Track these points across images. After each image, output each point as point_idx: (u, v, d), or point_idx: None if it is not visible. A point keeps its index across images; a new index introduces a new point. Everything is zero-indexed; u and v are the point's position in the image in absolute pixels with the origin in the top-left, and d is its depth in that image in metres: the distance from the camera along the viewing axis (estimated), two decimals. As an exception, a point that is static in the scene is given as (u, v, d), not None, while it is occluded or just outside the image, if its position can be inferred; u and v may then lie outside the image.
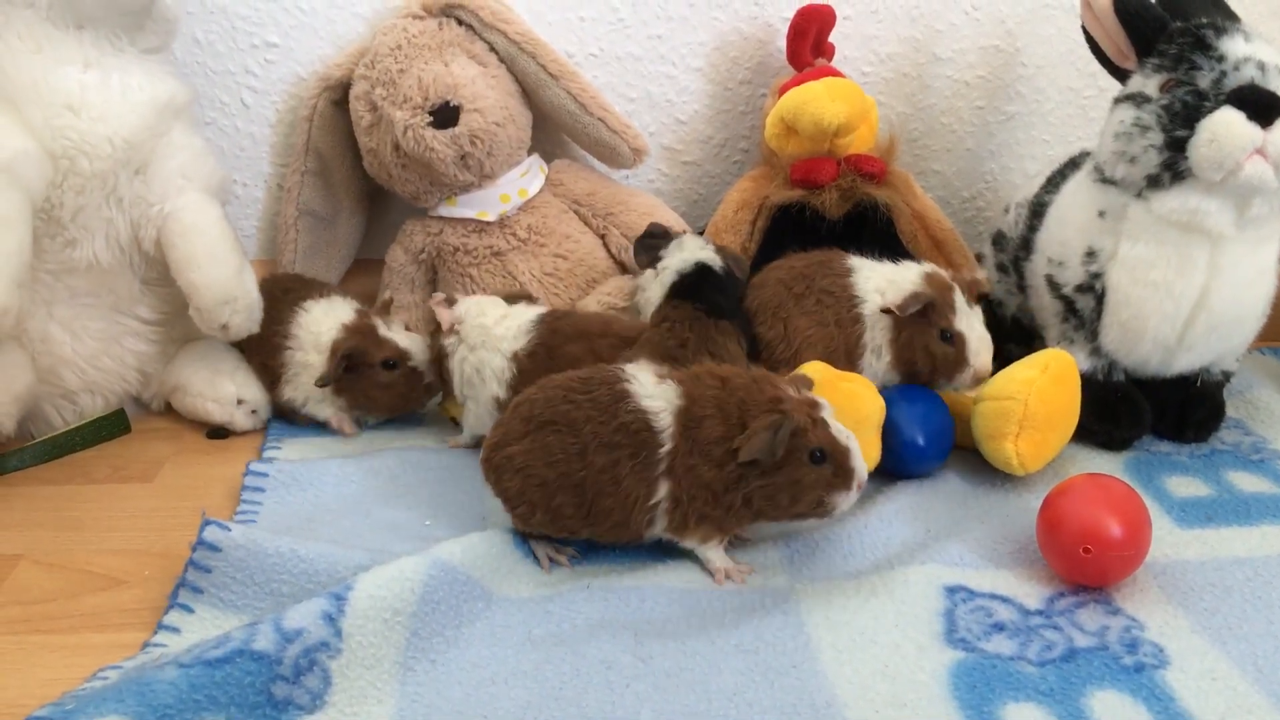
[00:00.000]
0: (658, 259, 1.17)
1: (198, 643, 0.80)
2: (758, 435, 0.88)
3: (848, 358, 1.12)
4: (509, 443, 0.94)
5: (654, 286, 1.15)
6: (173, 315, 1.23)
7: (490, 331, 1.10)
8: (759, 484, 0.91)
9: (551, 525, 0.94)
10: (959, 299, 1.10)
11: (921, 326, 1.10)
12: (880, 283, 1.13)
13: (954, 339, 1.09)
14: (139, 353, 1.22)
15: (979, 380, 1.10)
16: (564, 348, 1.07)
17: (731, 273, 1.15)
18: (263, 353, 1.23)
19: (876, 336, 1.12)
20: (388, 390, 1.19)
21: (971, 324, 1.11)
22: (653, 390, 0.92)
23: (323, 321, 1.21)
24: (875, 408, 1.05)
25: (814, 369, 1.06)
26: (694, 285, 1.12)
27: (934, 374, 1.11)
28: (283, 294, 1.26)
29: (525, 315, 1.12)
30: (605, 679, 0.82)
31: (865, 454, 1.04)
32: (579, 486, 0.91)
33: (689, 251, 1.15)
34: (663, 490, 0.91)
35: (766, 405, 0.90)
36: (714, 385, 0.92)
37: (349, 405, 1.22)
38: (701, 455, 0.90)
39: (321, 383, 1.18)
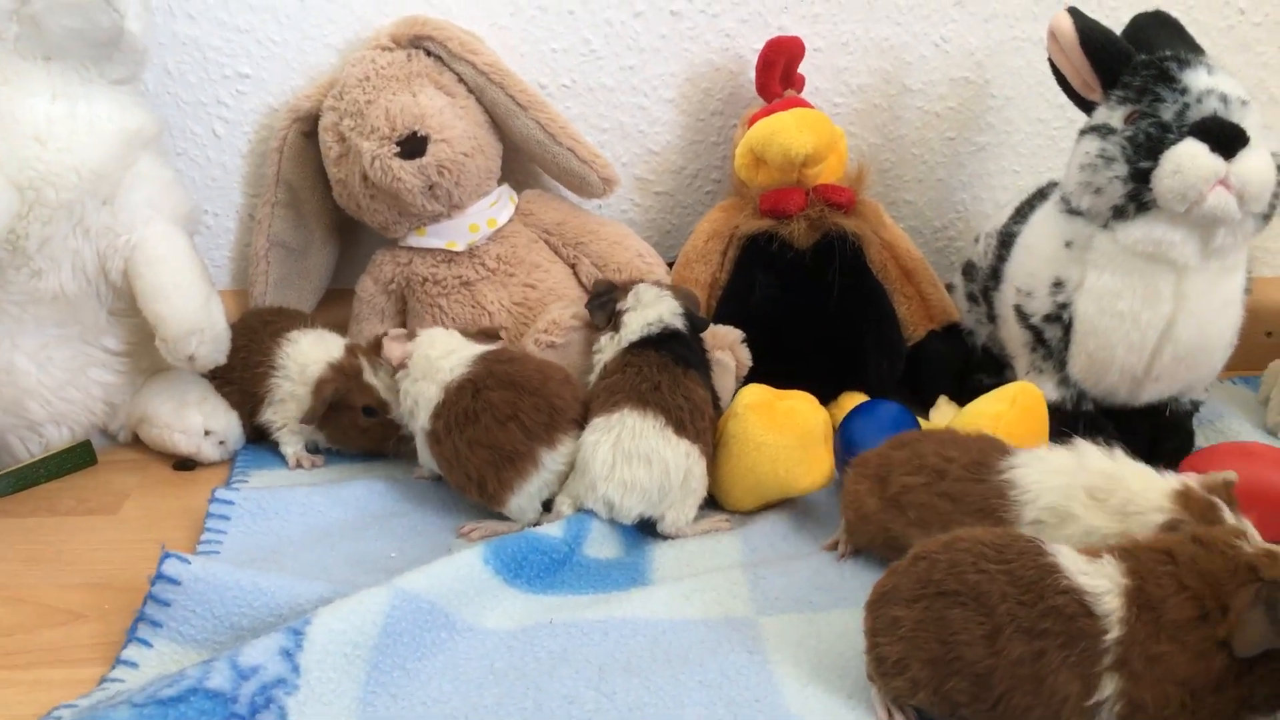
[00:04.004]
0: (616, 314, 1.15)
1: (152, 680, 0.79)
2: (1246, 620, 0.71)
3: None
4: (897, 601, 0.79)
5: (612, 347, 1.13)
6: (140, 346, 1.22)
7: (434, 363, 1.09)
8: (1265, 671, 0.72)
9: (936, 708, 0.78)
10: (1227, 516, 0.86)
11: None
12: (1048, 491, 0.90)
13: None
14: (106, 384, 1.21)
15: None
16: (489, 392, 1.05)
17: (694, 320, 1.14)
18: (245, 380, 1.23)
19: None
20: (363, 434, 1.19)
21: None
22: (1086, 567, 0.77)
23: (310, 353, 1.20)
24: (818, 421, 1.06)
25: (750, 391, 1.08)
26: (656, 341, 1.10)
27: None
28: (263, 325, 1.26)
29: (471, 350, 1.11)
30: (567, 714, 0.81)
31: (814, 469, 1.05)
32: (984, 677, 0.75)
33: (650, 308, 1.13)
34: (1110, 687, 0.74)
35: (1242, 575, 0.73)
36: (1160, 559, 0.76)
37: (326, 440, 1.22)
38: (1173, 641, 0.73)
39: (305, 420, 1.18)
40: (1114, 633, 0.74)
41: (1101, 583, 0.75)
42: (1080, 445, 0.93)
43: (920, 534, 0.89)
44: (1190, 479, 0.89)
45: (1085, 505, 0.88)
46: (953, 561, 0.78)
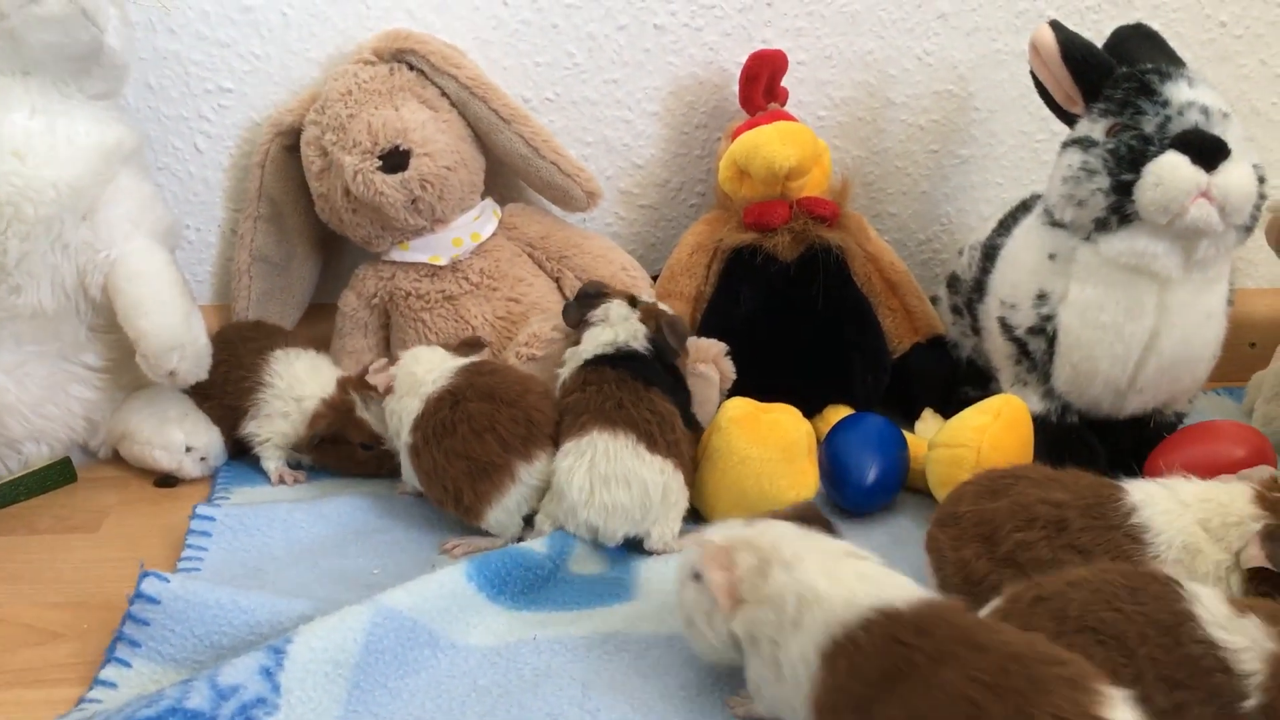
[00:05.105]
0: (586, 323, 1.13)
1: (130, 701, 0.79)
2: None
3: None
4: None
5: (572, 363, 1.11)
6: (120, 362, 1.21)
7: (418, 378, 1.09)
8: None
9: None
10: None
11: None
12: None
13: None
14: (85, 400, 1.20)
15: None
16: (468, 404, 1.04)
17: (661, 347, 1.11)
18: (227, 394, 1.22)
19: None
20: (361, 465, 1.19)
21: None
22: (1225, 620, 0.73)
23: (307, 383, 1.20)
24: (802, 434, 1.06)
25: (734, 405, 1.07)
26: (613, 359, 1.09)
27: None
28: (241, 341, 1.25)
29: (453, 363, 1.10)
30: (550, 731, 0.81)
31: (798, 482, 1.05)
32: None
33: (610, 328, 1.11)
34: None
35: None
36: None
37: (317, 463, 1.21)
38: None
39: (296, 449, 1.18)
40: (1255, 699, 0.70)
41: (1240, 640, 0.72)
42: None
43: None
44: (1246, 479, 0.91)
45: (1205, 540, 0.87)
46: (1086, 601, 0.74)
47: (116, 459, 1.25)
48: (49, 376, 1.17)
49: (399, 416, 1.09)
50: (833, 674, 0.70)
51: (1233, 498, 0.88)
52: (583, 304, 1.16)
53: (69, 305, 1.14)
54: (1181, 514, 0.88)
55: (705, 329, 1.27)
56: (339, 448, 1.18)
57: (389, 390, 1.11)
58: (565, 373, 1.11)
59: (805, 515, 0.83)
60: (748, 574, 0.77)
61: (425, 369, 1.09)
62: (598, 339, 1.11)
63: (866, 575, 0.75)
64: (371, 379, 1.13)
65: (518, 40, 1.38)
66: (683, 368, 1.15)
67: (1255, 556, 0.83)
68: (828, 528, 0.83)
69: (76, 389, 1.19)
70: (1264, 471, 0.93)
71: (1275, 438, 1.25)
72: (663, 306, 1.17)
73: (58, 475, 1.20)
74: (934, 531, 0.93)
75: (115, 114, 1.18)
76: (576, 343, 1.13)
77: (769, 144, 1.23)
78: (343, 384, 1.19)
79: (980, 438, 1.05)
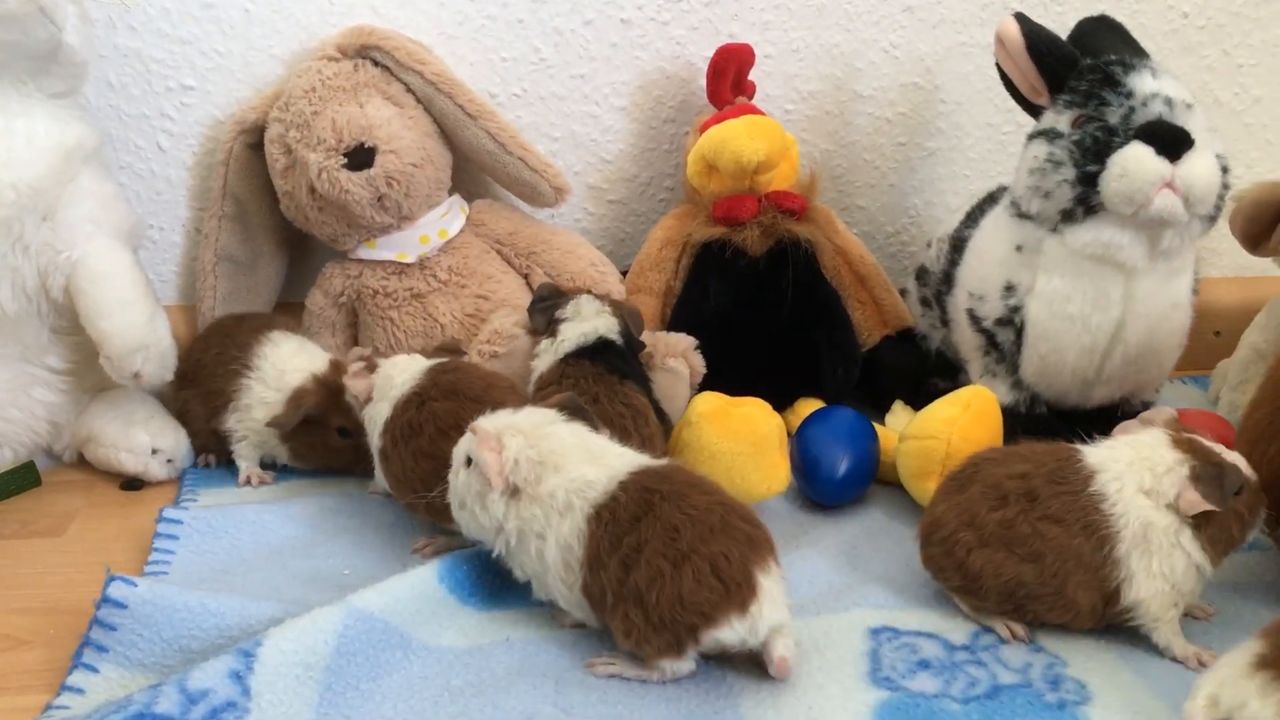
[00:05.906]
0: (555, 321, 1.14)
1: (99, 707, 0.78)
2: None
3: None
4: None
5: (549, 355, 1.11)
6: (84, 364, 1.20)
7: (392, 381, 1.07)
8: None
9: None
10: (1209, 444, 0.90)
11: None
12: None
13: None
14: (49, 403, 1.19)
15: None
16: (433, 403, 1.02)
17: (631, 339, 1.13)
18: (215, 379, 1.19)
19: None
20: (333, 454, 1.17)
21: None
22: None
23: (291, 360, 1.18)
24: (772, 428, 1.06)
25: (705, 399, 1.07)
26: (591, 351, 1.09)
27: (1246, 531, 0.90)
28: (237, 323, 1.24)
29: (421, 365, 1.09)
30: (524, 730, 0.80)
31: (769, 476, 1.05)
32: None
33: (587, 321, 1.12)
34: None
35: None
36: None
37: (289, 455, 1.19)
38: None
39: (274, 424, 1.15)
40: None
41: None
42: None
43: (1033, 569, 0.88)
44: (1154, 427, 0.92)
45: (1152, 509, 0.87)
46: None
47: (81, 462, 1.24)
48: (11, 380, 1.15)
49: (373, 422, 1.07)
50: (598, 527, 0.84)
51: (1153, 448, 0.89)
52: (544, 307, 1.16)
53: (30, 307, 1.13)
54: (1127, 483, 0.88)
55: (675, 324, 1.27)
56: (314, 431, 1.15)
57: (369, 399, 1.09)
58: (542, 365, 1.11)
59: (568, 406, 0.94)
60: (522, 459, 0.87)
61: (399, 372, 1.08)
62: (577, 332, 1.11)
63: (625, 454, 0.90)
64: (349, 384, 1.10)
65: (484, 35, 1.37)
66: (647, 361, 1.15)
67: (1194, 501, 0.86)
68: (590, 420, 0.94)
69: (39, 392, 1.18)
70: (1165, 413, 0.94)
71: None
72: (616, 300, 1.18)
73: (21, 479, 1.19)
74: (923, 545, 0.95)
75: (75, 113, 1.16)
76: (553, 335, 1.13)
77: (737, 138, 1.23)
78: (336, 364, 1.17)
79: (950, 429, 1.05)
